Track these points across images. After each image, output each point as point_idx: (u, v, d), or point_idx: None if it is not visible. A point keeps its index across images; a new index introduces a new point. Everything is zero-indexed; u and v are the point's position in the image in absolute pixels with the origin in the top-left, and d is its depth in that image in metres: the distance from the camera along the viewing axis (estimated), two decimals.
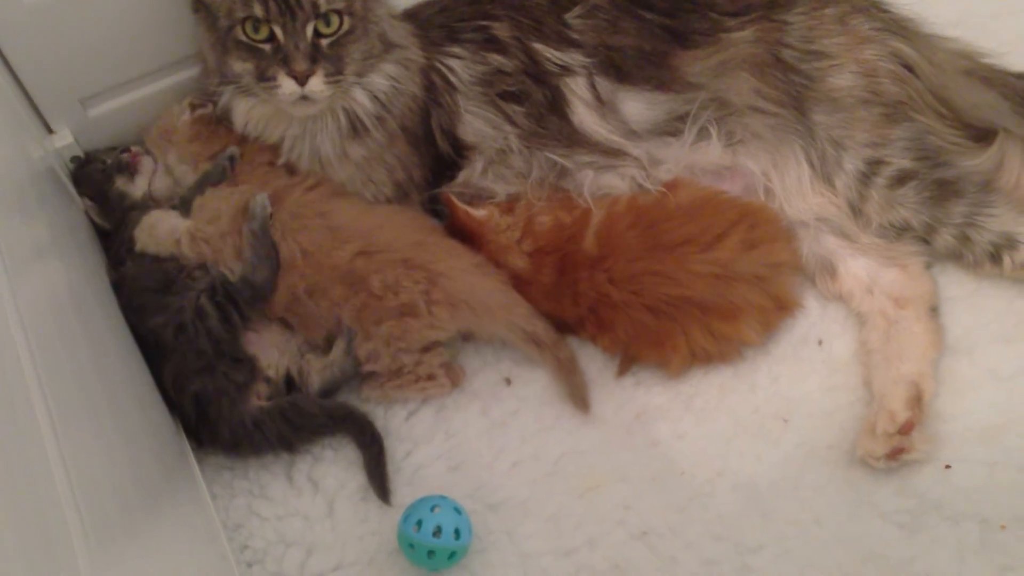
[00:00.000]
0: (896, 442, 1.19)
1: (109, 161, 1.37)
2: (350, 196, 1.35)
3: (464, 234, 1.35)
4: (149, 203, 1.37)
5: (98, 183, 1.36)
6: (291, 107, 1.24)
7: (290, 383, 1.32)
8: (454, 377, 1.33)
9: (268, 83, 1.21)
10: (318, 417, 1.28)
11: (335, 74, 1.22)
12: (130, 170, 1.37)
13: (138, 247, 1.30)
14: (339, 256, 1.28)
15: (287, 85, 1.20)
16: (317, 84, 1.20)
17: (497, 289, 1.31)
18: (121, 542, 0.82)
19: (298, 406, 1.28)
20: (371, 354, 1.29)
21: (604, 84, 1.34)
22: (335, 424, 1.30)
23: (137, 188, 1.37)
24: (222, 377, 1.26)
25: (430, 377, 1.30)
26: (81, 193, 1.37)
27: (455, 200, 1.35)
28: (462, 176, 1.37)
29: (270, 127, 1.32)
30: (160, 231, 1.30)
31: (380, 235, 1.31)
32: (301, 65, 1.19)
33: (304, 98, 1.21)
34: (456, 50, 1.34)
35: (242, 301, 1.27)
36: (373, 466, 1.27)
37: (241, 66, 1.23)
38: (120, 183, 1.36)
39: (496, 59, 1.33)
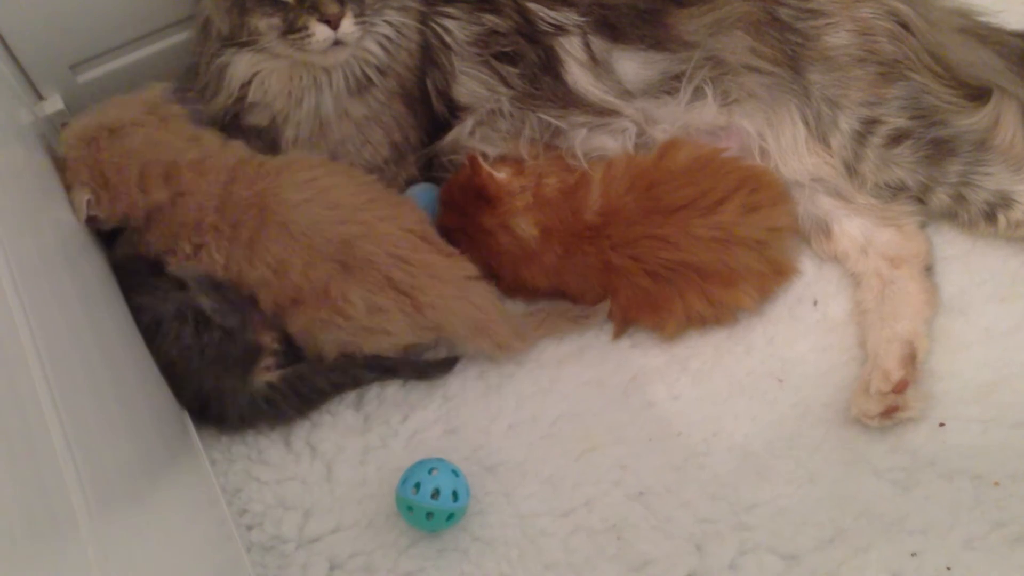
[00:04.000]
0: (890, 401, 1.19)
1: None
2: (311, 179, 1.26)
3: (479, 195, 1.31)
4: None
5: None
6: (322, 56, 1.23)
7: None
8: None
9: (299, 34, 1.20)
10: (324, 387, 1.28)
11: (360, 14, 1.22)
12: None
13: None
14: (315, 275, 1.22)
15: (320, 32, 1.19)
16: (348, 25, 1.20)
17: (480, 312, 1.26)
18: (122, 508, 0.82)
19: (304, 377, 1.27)
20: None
21: (598, 44, 1.32)
22: (342, 388, 1.29)
23: None
24: (220, 367, 1.24)
25: None
26: None
27: (481, 162, 1.31)
28: (451, 136, 1.36)
29: (273, 87, 1.29)
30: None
31: (361, 246, 1.22)
32: (332, 8, 1.19)
33: (337, 43, 1.21)
34: (451, 10, 1.33)
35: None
36: (412, 373, 1.29)
37: (267, 22, 1.22)
38: None
39: (490, 19, 1.32)
